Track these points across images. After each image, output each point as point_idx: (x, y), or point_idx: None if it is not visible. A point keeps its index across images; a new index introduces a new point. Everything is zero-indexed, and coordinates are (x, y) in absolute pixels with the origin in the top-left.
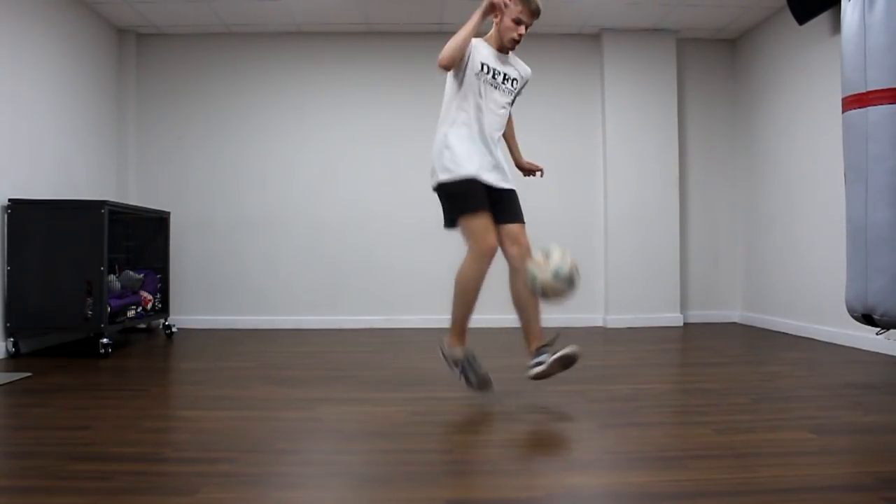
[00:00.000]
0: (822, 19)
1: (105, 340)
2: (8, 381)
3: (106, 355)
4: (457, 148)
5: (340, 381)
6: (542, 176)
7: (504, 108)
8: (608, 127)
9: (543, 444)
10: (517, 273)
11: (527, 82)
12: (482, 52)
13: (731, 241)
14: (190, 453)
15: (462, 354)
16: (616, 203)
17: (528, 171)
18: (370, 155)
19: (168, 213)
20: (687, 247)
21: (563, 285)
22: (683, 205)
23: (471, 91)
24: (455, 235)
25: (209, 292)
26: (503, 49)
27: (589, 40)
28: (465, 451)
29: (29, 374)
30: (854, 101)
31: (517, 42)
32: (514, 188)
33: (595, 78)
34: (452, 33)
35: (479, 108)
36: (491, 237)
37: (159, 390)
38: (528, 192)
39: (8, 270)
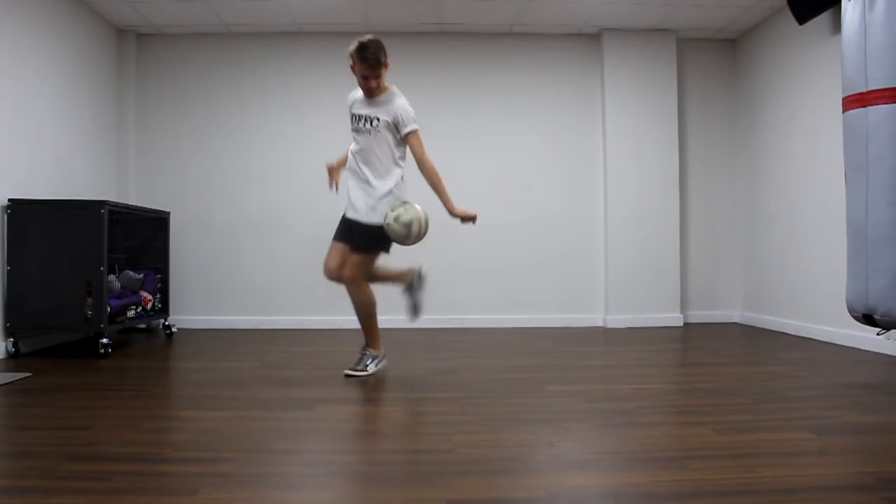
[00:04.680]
0: (822, 19)
1: (105, 340)
2: (8, 381)
3: (106, 355)
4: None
5: (340, 381)
6: (474, 223)
7: (367, 146)
8: (608, 127)
9: (543, 444)
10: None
11: (399, 118)
12: (354, 101)
13: (731, 241)
14: (190, 453)
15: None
16: (616, 203)
17: (463, 219)
18: None
19: (168, 213)
20: (687, 247)
21: (402, 229)
22: (683, 205)
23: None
24: (452, 236)
25: (209, 292)
26: (369, 96)
27: (589, 40)
28: (465, 451)
29: (29, 374)
30: (855, 101)
31: (371, 89)
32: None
33: (595, 78)
34: (452, 33)
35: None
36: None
37: (159, 390)
38: (529, 193)
39: (8, 270)
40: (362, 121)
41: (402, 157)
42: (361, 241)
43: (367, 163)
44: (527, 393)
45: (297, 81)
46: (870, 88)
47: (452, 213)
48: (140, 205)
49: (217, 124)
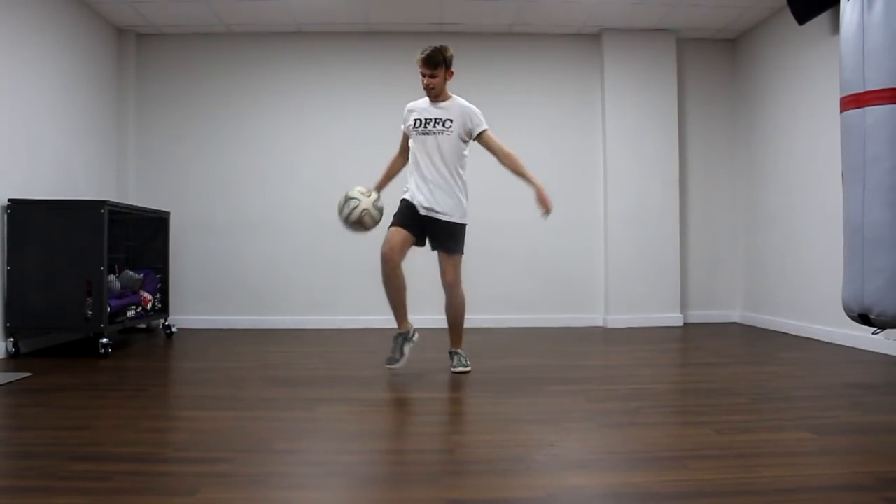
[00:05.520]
0: (822, 19)
1: (105, 340)
2: (8, 381)
3: (106, 355)
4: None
5: (340, 381)
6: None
7: (437, 147)
8: (608, 127)
9: (543, 444)
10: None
11: (468, 118)
12: (414, 108)
13: (731, 241)
14: (190, 453)
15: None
16: (616, 203)
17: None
18: (370, 155)
19: (168, 213)
20: (687, 247)
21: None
22: (683, 205)
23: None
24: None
25: (209, 292)
26: (432, 99)
27: (589, 40)
28: (465, 451)
29: (29, 374)
30: (852, 102)
31: (430, 89)
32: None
33: (595, 78)
34: (452, 33)
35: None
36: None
37: (159, 390)
38: (528, 193)
39: (8, 270)
40: (431, 123)
41: (465, 164)
42: (454, 241)
43: (439, 162)
44: (527, 393)
45: (297, 81)
46: (867, 89)
47: (541, 194)
48: (140, 205)
49: (217, 124)
